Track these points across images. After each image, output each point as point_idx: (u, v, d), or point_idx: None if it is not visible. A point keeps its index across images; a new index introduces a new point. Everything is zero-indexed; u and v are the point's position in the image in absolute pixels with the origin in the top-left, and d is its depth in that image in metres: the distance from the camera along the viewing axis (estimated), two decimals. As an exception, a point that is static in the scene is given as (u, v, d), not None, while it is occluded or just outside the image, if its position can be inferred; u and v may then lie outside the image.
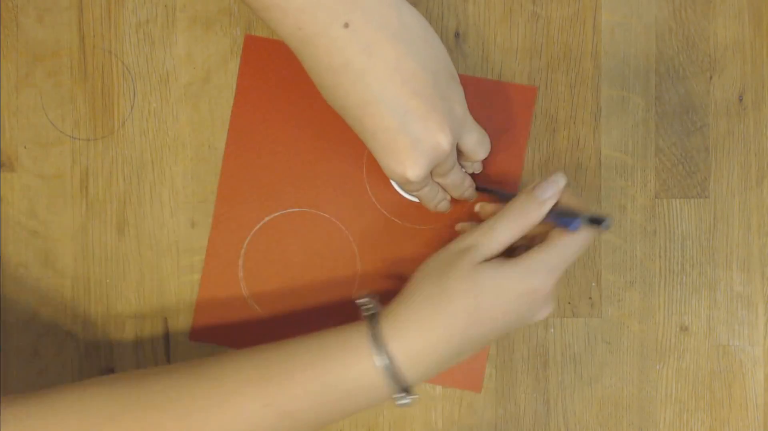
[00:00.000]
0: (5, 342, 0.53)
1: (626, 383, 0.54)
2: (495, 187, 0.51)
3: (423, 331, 0.41)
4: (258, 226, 0.53)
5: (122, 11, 0.53)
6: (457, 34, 0.54)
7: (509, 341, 0.54)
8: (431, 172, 0.46)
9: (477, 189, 0.51)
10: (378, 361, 0.41)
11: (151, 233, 0.53)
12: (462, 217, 0.53)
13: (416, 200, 0.52)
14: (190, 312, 0.54)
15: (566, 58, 0.54)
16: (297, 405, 0.41)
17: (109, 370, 0.53)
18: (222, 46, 0.54)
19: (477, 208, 0.50)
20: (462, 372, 0.53)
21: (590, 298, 0.54)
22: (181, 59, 0.53)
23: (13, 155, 0.53)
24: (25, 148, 0.53)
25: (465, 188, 0.49)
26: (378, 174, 0.53)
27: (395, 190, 0.52)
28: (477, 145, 0.47)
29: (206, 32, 0.54)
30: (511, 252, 0.45)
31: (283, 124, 0.54)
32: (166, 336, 0.53)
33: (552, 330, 0.54)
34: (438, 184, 0.48)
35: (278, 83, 0.53)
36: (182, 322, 0.53)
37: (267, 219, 0.53)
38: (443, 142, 0.42)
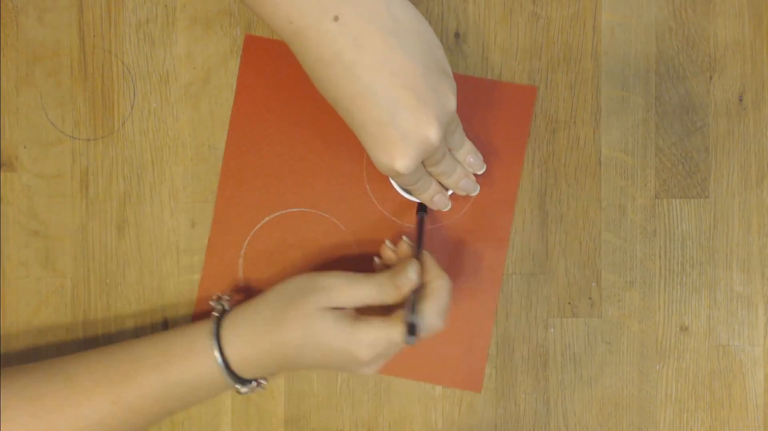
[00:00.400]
0: (5, 342, 0.53)
1: (626, 383, 0.54)
2: (421, 233, 0.50)
3: (254, 345, 0.45)
4: (258, 226, 0.53)
5: (122, 11, 0.53)
6: (457, 34, 0.54)
7: (509, 341, 0.54)
8: (423, 163, 0.46)
9: (419, 225, 0.50)
10: (217, 359, 0.45)
11: (151, 233, 0.53)
12: (461, 223, 0.53)
13: (417, 200, 0.52)
14: (189, 311, 0.54)
15: (566, 58, 0.54)
16: (143, 402, 0.45)
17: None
18: (222, 46, 0.54)
19: (404, 239, 0.50)
20: (462, 372, 0.53)
21: (590, 298, 0.54)
22: (181, 59, 0.53)
23: (13, 155, 0.53)
24: (25, 148, 0.53)
25: (459, 178, 0.49)
26: (378, 174, 0.53)
27: (395, 190, 0.52)
28: (458, 141, 0.48)
29: (206, 32, 0.54)
30: None
31: (283, 124, 0.54)
32: (166, 336, 0.53)
33: (552, 330, 0.54)
34: (434, 179, 0.49)
35: (278, 83, 0.53)
36: (182, 322, 0.53)
37: (267, 219, 0.53)
38: (432, 134, 0.42)
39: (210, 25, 0.54)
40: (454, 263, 0.53)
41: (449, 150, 0.48)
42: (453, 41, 0.54)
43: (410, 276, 0.45)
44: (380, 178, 0.53)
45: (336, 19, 0.41)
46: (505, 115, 0.53)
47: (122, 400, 0.45)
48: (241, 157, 0.53)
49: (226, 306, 0.49)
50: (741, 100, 0.54)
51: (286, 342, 0.45)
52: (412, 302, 0.45)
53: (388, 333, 0.44)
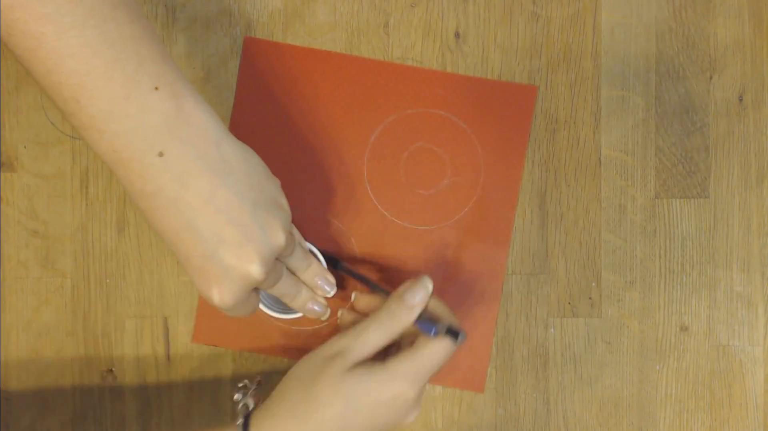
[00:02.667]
0: (5, 343, 0.53)
1: (626, 383, 0.54)
2: (371, 280, 0.50)
3: None
4: (258, 226, 0.53)
5: (122, 11, 0.53)
6: (457, 34, 0.54)
7: (509, 341, 0.54)
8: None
9: (353, 276, 0.50)
10: None
11: (151, 233, 0.53)
12: (462, 223, 0.53)
13: (288, 317, 0.50)
14: (189, 312, 0.54)
15: (566, 58, 0.54)
16: None
17: (109, 370, 0.53)
18: (222, 46, 0.54)
19: (353, 297, 0.50)
20: (464, 372, 0.53)
21: (590, 298, 0.54)
22: (181, 59, 0.53)
23: (13, 155, 0.53)
24: (25, 147, 0.53)
25: (305, 301, 0.48)
26: (378, 174, 0.53)
27: (395, 189, 0.52)
28: (300, 264, 0.47)
29: (206, 32, 0.54)
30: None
31: (283, 124, 0.54)
32: (166, 336, 0.53)
33: (552, 330, 0.54)
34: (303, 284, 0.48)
35: (278, 85, 0.53)
36: (182, 322, 0.53)
37: (267, 219, 0.53)
38: (254, 270, 0.42)
39: (210, 25, 0.54)
40: (456, 263, 0.53)
41: (294, 273, 0.48)
42: (453, 41, 0.54)
43: (426, 284, 0.46)
44: (380, 179, 0.53)
45: (161, 154, 0.40)
46: (506, 114, 0.53)
47: None
48: (241, 157, 0.53)
49: (250, 405, 0.47)
50: (741, 100, 0.54)
51: (326, 420, 0.43)
52: (424, 320, 0.45)
53: (423, 356, 0.44)
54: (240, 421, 0.45)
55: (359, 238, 0.53)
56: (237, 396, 0.48)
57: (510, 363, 0.54)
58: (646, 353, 0.54)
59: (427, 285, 0.46)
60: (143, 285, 0.54)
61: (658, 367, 0.54)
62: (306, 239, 0.50)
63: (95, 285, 0.53)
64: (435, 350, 0.44)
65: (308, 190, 0.53)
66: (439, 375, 0.53)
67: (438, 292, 0.53)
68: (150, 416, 0.53)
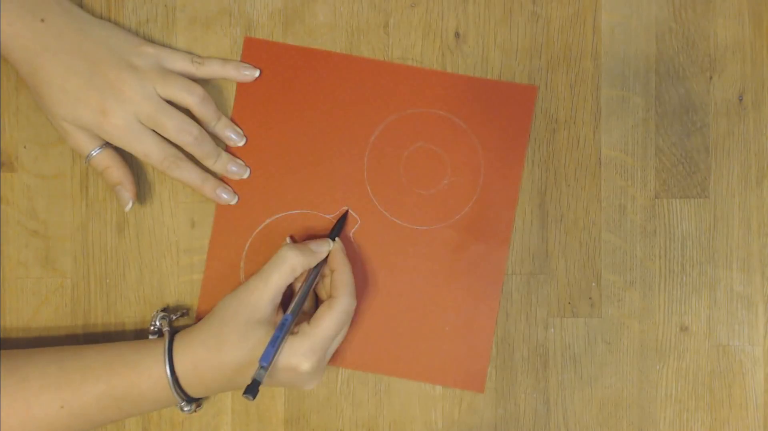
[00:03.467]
0: (5, 343, 0.53)
1: (626, 383, 0.54)
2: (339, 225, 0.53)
3: (201, 365, 0.47)
4: (259, 228, 0.53)
5: (122, 11, 0.53)
6: (457, 34, 0.54)
7: (509, 341, 0.54)
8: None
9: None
10: (168, 377, 0.47)
11: (151, 233, 0.53)
12: (462, 223, 0.53)
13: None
14: (189, 312, 0.54)
15: (566, 58, 0.54)
16: (87, 410, 0.47)
17: (109, 370, 0.53)
18: (222, 46, 0.54)
19: (286, 240, 0.53)
20: (464, 372, 0.53)
21: (590, 298, 0.54)
22: (181, 59, 0.53)
23: (13, 155, 0.53)
24: (25, 148, 0.53)
25: (222, 160, 0.52)
26: (378, 174, 0.53)
27: (395, 189, 0.52)
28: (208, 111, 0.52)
29: (206, 32, 0.54)
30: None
31: (283, 125, 0.54)
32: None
33: (552, 330, 0.54)
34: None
35: (277, 85, 0.53)
36: (182, 322, 0.53)
37: (268, 221, 0.53)
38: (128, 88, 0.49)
39: (210, 25, 0.54)
40: (456, 263, 0.53)
41: (207, 126, 0.52)
42: (453, 41, 0.54)
43: (330, 243, 0.51)
44: (380, 179, 0.53)
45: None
46: (506, 114, 0.53)
47: (68, 405, 0.47)
48: (241, 158, 0.53)
49: (165, 327, 0.51)
50: (741, 100, 0.54)
51: (228, 362, 0.47)
52: (312, 277, 0.50)
53: (315, 334, 0.47)
54: (167, 332, 0.50)
55: (359, 238, 0.53)
56: (158, 322, 0.52)
57: (510, 363, 0.54)
58: (646, 353, 0.54)
59: (331, 245, 0.51)
60: (143, 285, 0.54)
61: (658, 367, 0.54)
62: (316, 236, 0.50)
63: (95, 285, 0.53)
64: (325, 327, 0.48)
65: (308, 189, 0.53)
66: (439, 375, 0.53)
67: (438, 292, 0.53)
68: (150, 416, 0.53)
